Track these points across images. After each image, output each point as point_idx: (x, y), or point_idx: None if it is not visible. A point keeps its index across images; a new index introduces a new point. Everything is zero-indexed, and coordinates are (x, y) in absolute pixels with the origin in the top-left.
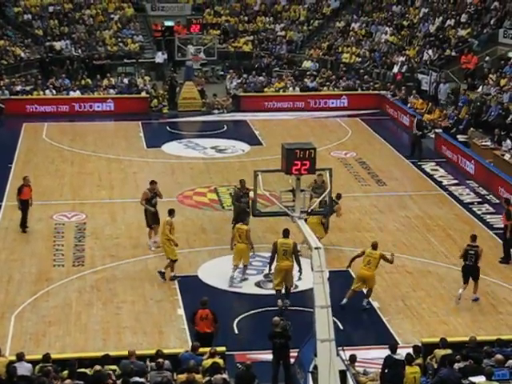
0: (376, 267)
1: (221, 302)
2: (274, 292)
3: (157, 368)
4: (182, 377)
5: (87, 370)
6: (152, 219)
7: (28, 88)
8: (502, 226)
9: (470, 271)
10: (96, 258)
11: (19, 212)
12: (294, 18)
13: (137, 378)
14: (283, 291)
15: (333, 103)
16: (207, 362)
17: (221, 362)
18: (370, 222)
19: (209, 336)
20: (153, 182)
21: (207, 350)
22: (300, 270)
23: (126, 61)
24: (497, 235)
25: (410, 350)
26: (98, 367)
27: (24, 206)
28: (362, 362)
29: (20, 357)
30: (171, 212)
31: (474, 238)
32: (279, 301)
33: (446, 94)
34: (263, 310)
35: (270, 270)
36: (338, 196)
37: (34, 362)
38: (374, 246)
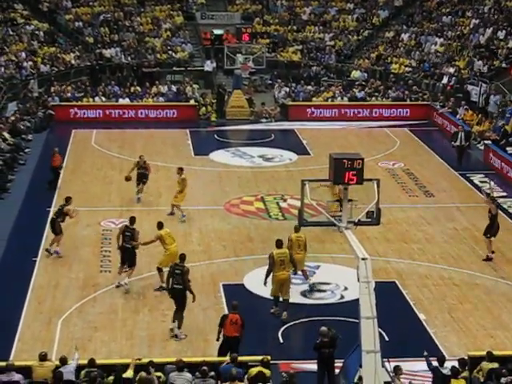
0: None
1: (266, 311)
2: (319, 302)
3: (201, 376)
4: None
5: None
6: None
7: (78, 95)
8: None
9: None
10: (142, 265)
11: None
12: (343, 28)
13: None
14: (281, 299)
15: (381, 113)
16: (253, 371)
17: (267, 372)
18: (417, 234)
19: (236, 340)
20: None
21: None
22: (295, 271)
23: (175, 69)
24: None
25: (456, 363)
26: (143, 374)
27: (55, 172)
28: (408, 374)
29: (63, 362)
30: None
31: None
32: (274, 307)
33: (496, 106)
34: (308, 319)
35: (265, 282)
36: (67, 199)
37: (79, 368)
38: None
